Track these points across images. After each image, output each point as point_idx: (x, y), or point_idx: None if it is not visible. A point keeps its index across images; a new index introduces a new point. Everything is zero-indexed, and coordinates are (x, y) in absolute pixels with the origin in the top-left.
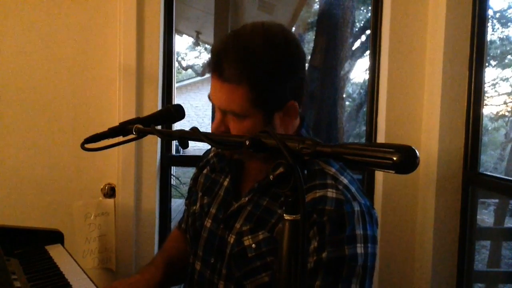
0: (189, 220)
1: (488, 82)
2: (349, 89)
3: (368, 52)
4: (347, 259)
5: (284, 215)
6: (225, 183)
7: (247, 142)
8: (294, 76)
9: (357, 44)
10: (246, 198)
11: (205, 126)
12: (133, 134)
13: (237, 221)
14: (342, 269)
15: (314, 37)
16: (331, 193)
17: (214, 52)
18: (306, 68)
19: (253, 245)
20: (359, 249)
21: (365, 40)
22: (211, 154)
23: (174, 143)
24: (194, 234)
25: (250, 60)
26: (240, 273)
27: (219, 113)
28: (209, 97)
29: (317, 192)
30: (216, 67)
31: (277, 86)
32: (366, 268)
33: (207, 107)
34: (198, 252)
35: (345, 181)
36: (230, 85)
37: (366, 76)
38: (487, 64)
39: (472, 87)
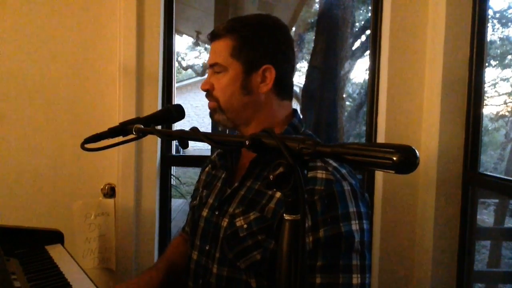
0: (190, 215)
1: (488, 82)
2: (349, 89)
3: (368, 52)
4: (343, 236)
5: (284, 215)
6: (223, 175)
7: (247, 142)
8: (273, 40)
9: (357, 44)
10: (237, 183)
11: (205, 126)
12: (133, 134)
13: (231, 206)
14: (340, 246)
15: (314, 37)
16: (320, 174)
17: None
18: (306, 66)
19: (245, 226)
20: (354, 226)
21: (365, 40)
22: (214, 154)
23: (174, 143)
24: (193, 226)
25: (237, 20)
26: (233, 254)
27: (209, 73)
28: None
29: (307, 173)
30: (214, 34)
31: (255, 43)
32: (363, 243)
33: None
34: (196, 242)
35: (335, 164)
36: (218, 41)
37: (366, 76)
38: (487, 64)
39: (472, 87)
